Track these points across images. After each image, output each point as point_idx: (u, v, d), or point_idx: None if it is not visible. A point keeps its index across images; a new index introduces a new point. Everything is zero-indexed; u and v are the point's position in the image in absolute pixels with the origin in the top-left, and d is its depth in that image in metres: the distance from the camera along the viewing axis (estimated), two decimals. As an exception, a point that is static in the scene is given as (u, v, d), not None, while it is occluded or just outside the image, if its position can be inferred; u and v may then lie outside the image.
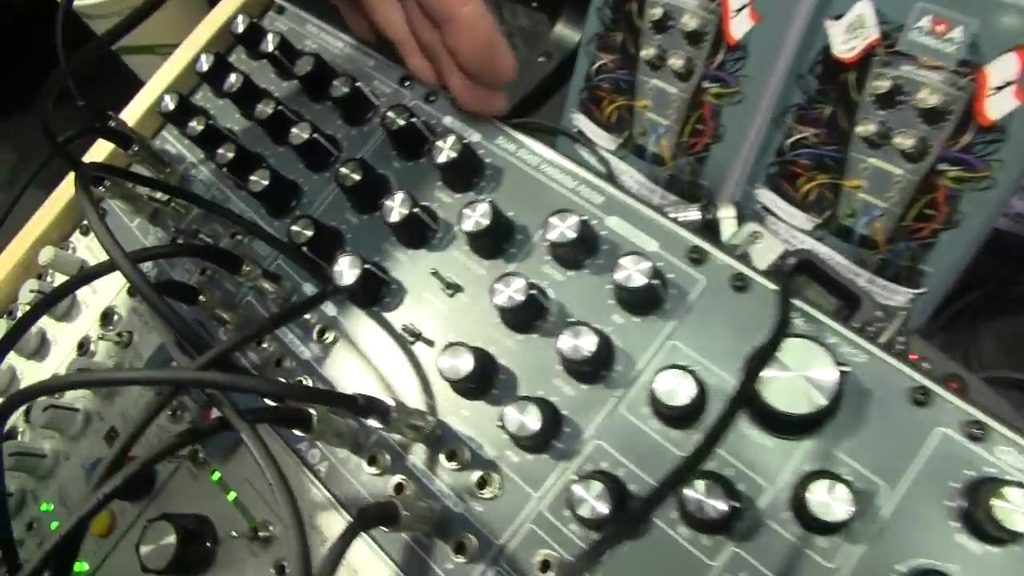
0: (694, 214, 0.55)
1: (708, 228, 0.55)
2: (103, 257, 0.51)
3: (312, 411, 0.32)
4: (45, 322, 0.51)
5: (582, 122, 0.63)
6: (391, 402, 0.32)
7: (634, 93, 0.59)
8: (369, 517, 0.28)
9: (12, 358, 0.51)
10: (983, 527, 0.27)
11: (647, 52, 0.56)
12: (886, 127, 0.49)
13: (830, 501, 0.28)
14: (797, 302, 0.32)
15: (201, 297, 0.39)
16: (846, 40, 0.48)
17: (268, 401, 0.32)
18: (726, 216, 0.55)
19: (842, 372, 0.29)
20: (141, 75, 0.83)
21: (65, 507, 0.45)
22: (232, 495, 0.39)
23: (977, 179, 0.46)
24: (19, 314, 0.52)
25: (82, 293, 0.50)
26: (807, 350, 0.30)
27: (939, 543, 0.28)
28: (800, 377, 0.29)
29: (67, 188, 0.53)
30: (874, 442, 0.30)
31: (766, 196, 0.57)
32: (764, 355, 0.27)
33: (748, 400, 0.29)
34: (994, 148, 0.45)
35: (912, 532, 0.29)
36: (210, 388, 0.27)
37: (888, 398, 0.31)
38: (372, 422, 0.32)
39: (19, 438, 0.47)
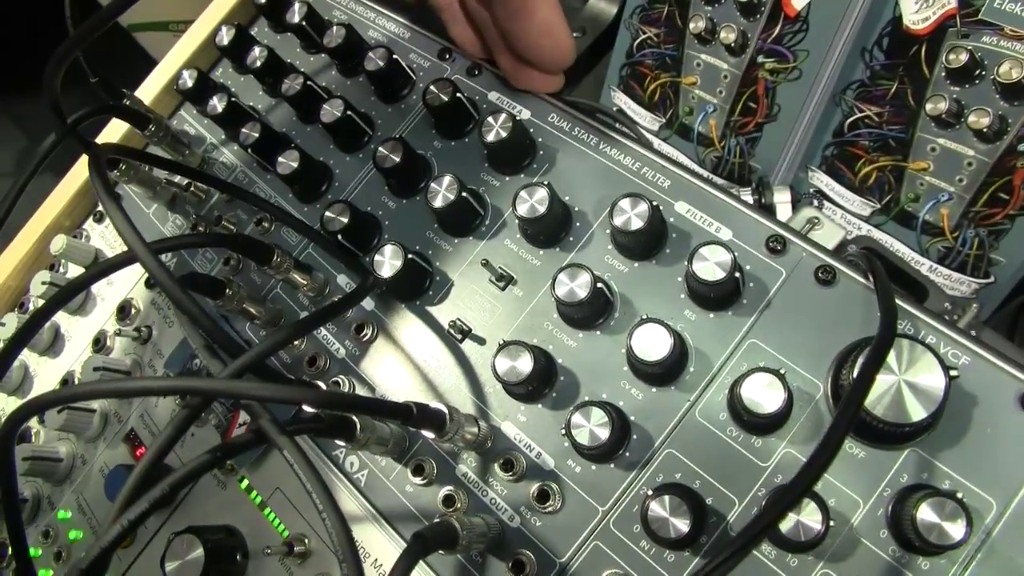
0: (746, 198, 0.51)
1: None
2: (119, 246, 0.48)
3: (356, 419, 0.29)
4: (58, 316, 0.48)
5: (622, 100, 0.59)
6: (445, 410, 0.29)
7: (680, 69, 0.55)
8: (429, 543, 0.25)
9: (24, 354, 0.48)
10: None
11: (696, 25, 0.52)
12: (960, 105, 0.45)
13: (941, 522, 0.25)
14: (903, 304, 0.29)
15: (227, 291, 0.36)
16: (919, 9, 0.45)
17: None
18: (781, 200, 0.51)
19: (951, 378, 0.26)
20: (154, 54, 0.79)
21: (83, 514, 0.42)
22: (262, 504, 0.37)
23: (1062, 161, 0.43)
24: (31, 307, 0.49)
25: (97, 285, 0.47)
26: (910, 352, 0.27)
27: (1064, 570, 0.25)
28: (902, 382, 0.26)
29: (80, 172, 0.50)
30: (981, 453, 0.27)
31: (821, 179, 0.53)
32: (873, 366, 0.24)
33: (857, 420, 0.26)
34: (1082, 127, 0.42)
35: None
36: (248, 400, 0.25)
37: (996, 404, 0.28)
38: (426, 434, 0.29)
39: (33, 440, 0.44)
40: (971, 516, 0.25)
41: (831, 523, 0.27)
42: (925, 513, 0.25)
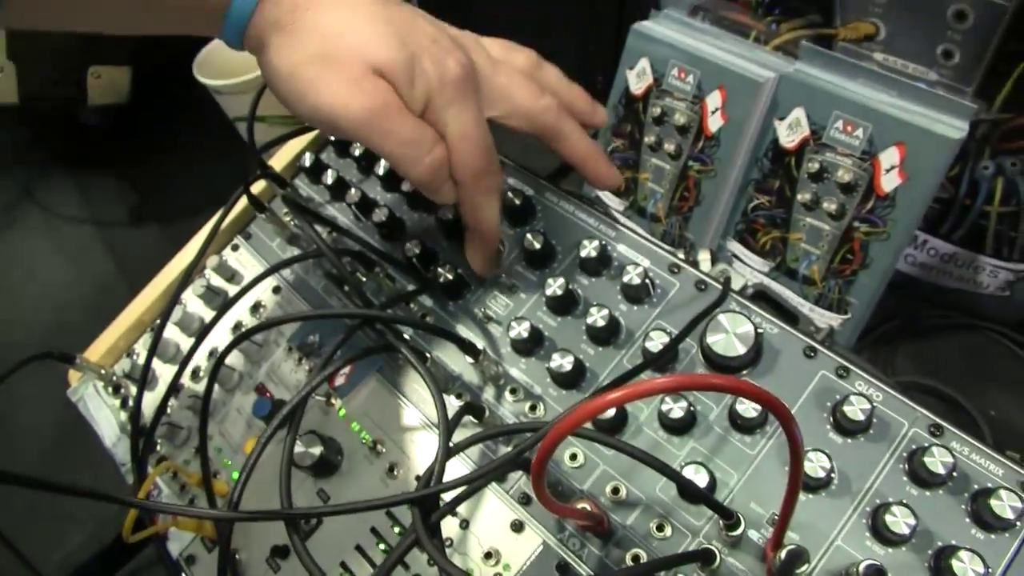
0: (681, 256, 0.74)
1: (691, 266, 0.74)
2: (251, 268, 0.71)
3: (428, 355, 0.51)
4: (204, 310, 0.70)
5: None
6: (481, 346, 0.51)
7: (638, 168, 0.79)
8: (472, 407, 0.47)
9: (177, 335, 0.69)
10: (842, 425, 0.45)
11: (649, 139, 0.77)
12: (817, 196, 0.68)
13: (750, 409, 0.46)
14: (733, 295, 0.51)
15: (345, 287, 0.58)
16: (788, 134, 0.69)
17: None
18: (703, 259, 0.74)
19: (757, 333, 0.48)
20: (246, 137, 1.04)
21: (223, 437, 0.62)
22: (355, 424, 0.57)
23: (879, 233, 0.65)
24: (186, 300, 0.70)
25: (233, 291, 0.69)
26: (738, 320, 0.48)
27: (818, 438, 0.46)
28: (732, 335, 0.48)
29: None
30: (781, 380, 0.48)
31: (735, 246, 0.76)
32: (710, 310, 0.46)
33: (712, 361, 0.48)
34: (889, 211, 0.64)
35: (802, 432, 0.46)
36: (390, 323, 0.46)
37: (790, 354, 0.49)
38: (468, 358, 0.50)
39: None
40: (767, 411, 0.46)
41: (695, 411, 0.48)
42: (741, 407, 0.47)
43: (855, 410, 0.44)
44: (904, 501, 0.42)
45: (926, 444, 0.44)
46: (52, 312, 0.98)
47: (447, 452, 0.41)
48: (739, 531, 0.42)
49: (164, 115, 1.10)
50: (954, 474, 0.43)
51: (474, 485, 0.40)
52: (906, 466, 0.44)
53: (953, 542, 0.41)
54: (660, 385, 0.28)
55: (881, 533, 0.42)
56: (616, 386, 0.42)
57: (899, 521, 0.41)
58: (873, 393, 0.47)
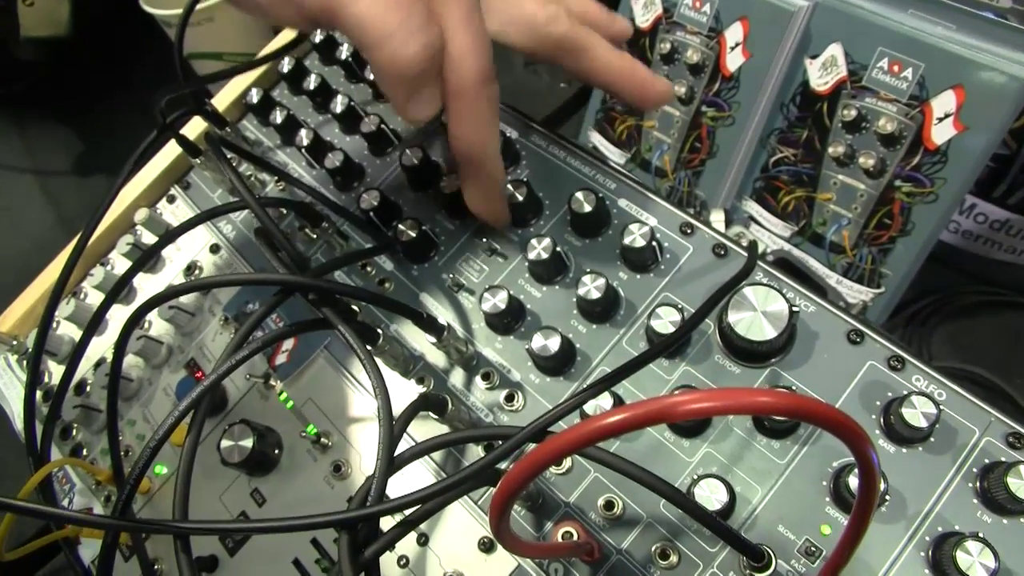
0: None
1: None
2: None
3: (380, 332, 0.41)
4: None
5: (597, 139, 0.72)
6: (445, 323, 0.41)
7: (643, 115, 0.69)
8: (428, 400, 0.37)
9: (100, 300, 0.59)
10: (897, 431, 0.36)
11: (656, 79, 0.66)
12: (852, 149, 0.58)
13: (781, 409, 0.37)
14: (761, 263, 0.41)
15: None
16: (821, 75, 0.58)
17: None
18: (716, 220, 0.64)
19: (792, 311, 0.38)
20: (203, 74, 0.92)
21: (147, 422, 0.53)
22: (296, 410, 0.48)
23: (925, 194, 0.56)
24: (112, 261, 0.60)
25: (168, 251, 0.59)
26: (768, 295, 0.39)
27: (863, 445, 0.37)
28: (760, 314, 0.38)
29: (159, 162, 0.62)
30: (819, 371, 0.39)
31: (752, 207, 0.66)
32: (735, 282, 0.36)
33: (734, 345, 0.38)
34: (938, 168, 0.54)
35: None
36: (323, 292, 0.36)
37: (830, 338, 0.39)
38: (429, 337, 0.40)
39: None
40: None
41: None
42: (770, 403, 0.37)
43: (916, 414, 0.35)
44: (980, 534, 0.33)
45: (1004, 459, 0.35)
46: (-17, 271, 0.88)
47: (389, 465, 0.32)
48: (769, 572, 0.33)
49: (111, 50, 0.98)
50: (1044, 498, 0.33)
51: (423, 508, 0.31)
52: (977, 485, 0.35)
53: (1045, 589, 0.32)
54: (687, 409, 0.18)
55: (946, 572, 0.33)
56: (616, 377, 0.32)
57: (973, 562, 0.32)
58: (935, 391, 0.37)
